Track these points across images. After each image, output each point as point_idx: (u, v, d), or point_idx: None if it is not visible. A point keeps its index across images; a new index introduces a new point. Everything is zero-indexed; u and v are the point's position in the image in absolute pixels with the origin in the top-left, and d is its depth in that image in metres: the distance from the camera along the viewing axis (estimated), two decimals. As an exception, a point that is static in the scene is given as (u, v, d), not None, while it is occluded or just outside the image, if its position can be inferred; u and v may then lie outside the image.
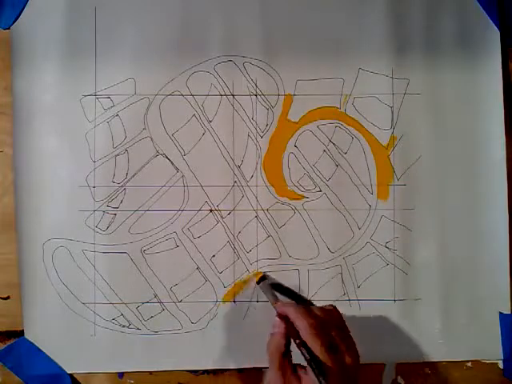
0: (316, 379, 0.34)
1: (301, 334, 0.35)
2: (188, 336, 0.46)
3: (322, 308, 0.39)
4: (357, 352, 0.37)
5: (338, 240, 0.47)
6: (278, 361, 0.36)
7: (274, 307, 0.39)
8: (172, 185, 0.46)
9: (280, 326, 0.37)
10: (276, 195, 0.47)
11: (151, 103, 0.46)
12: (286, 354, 0.36)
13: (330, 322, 0.37)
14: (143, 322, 0.46)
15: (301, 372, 0.36)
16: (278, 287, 0.44)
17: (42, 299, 0.45)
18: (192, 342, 0.46)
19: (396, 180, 0.47)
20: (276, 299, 0.41)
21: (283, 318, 0.37)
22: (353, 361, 0.36)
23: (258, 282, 0.45)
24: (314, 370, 0.34)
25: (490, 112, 0.47)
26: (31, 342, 0.45)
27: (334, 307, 0.39)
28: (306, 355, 0.34)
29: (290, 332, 0.36)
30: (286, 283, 0.46)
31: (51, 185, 0.46)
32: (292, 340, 0.36)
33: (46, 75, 0.46)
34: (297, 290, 0.46)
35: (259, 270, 0.46)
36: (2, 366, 0.45)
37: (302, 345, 0.35)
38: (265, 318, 0.46)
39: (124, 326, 0.46)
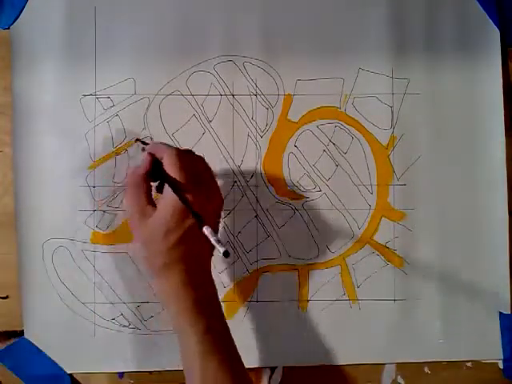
0: (175, 195, 0.35)
1: (164, 163, 0.36)
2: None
3: (192, 152, 0.40)
4: (220, 193, 0.39)
5: (338, 240, 0.47)
6: (135, 187, 0.37)
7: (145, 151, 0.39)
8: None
9: (146, 159, 0.37)
10: (276, 195, 0.47)
11: (151, 103, 0.46)
12: (147, 190, 0.37)
13: (196, 160, 0.38)
14: (143, 321, 0.46)
15: (158, 199, 0.37)
16: None
17: (41, 299, 0.45)
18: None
19: (396, 180, 0.47)
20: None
21: (151, 154, 0.38)
22: (215, 197, 0.38)
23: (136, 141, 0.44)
24: (172, 188, 0.35)
25: (490, 112, 0.47)
26: (31, 342, 0.45)
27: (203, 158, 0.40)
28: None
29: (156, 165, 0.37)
30: (286, 283, 0.46)
31: (51, 185, 0.46)
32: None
33: (46, 75, 0.46)
34: None
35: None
36: (1, 366, 0.45)
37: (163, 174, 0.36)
38: (265, 318, 0.46)
39: (124, 326, 0.46)
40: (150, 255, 0.36)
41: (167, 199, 0.36)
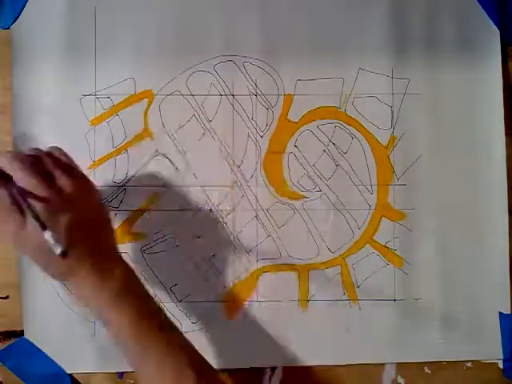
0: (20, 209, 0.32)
1: (12, 173, 0.33)
2: (188, 336, 0.46)
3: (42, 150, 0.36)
4: (83, 178, 0.36)
5: (338, 240, 0.47)
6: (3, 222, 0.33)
7: None
8: (172, 185, 0.46)
9: None
10: (276, 195, 0.47)
11: (151, 103, 0.46)
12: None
13: (46, 157, 0.35)
14: (143, 321, 0.46)
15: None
16: None
17: (41, 299, 0.45)
18: (192, 342, 0.45)
19: (396, 180, 0.47)
20: None
21: None
22: (74, 187, 0.34)
23: None
24: (12, 197, 0.31)
25: (490, 112, 0.47)
26: (31, 342, 0.45)
27: (59, 149, 0.36)
28: (12, 190, 0.32)
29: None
30: (286, 283, 0.46)
31: (51, 185, 0.46)
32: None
33: (46, 75, 0.46)
34: None
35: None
36: (1, 366, 0.45)
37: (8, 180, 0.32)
38: (265, 318, 0.46)
39: (124, 326, 0.46)
40: (44, 267, 0.35)
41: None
